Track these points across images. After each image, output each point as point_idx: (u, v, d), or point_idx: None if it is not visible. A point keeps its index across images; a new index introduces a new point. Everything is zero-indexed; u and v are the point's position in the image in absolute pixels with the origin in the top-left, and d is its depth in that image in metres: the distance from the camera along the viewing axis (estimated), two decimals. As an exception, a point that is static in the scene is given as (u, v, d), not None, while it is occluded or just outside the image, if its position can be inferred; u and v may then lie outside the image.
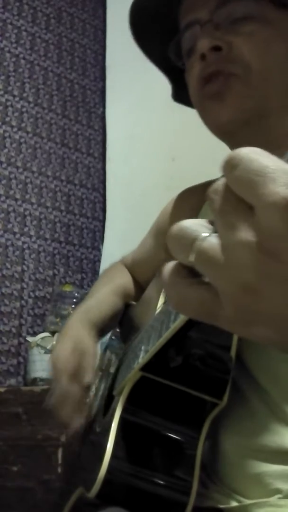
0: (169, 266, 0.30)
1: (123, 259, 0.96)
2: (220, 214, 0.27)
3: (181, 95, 0.79)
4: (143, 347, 0.61)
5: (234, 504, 0.61)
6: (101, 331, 0.77)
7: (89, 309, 0.79)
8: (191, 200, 0.81)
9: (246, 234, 0.26)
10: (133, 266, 0.92)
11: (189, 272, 0.29)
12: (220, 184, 0.28)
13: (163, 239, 0.84)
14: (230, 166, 0.26)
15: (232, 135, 0.69)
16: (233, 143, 0.70)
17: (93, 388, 0.82)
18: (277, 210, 0.24)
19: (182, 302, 0.29)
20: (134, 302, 0.85)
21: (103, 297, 0.82)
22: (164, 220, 0.85)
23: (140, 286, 0.89)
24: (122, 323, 0.84)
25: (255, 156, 0.26)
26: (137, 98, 2.35)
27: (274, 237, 0.25)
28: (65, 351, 0.70)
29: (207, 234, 0.28)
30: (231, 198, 0.27)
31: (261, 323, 0.28)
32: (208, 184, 0.74)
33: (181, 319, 0.53)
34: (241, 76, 0.64)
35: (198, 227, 0.28)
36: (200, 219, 0.29)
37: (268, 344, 0.29)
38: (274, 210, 0.25)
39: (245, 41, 0.64)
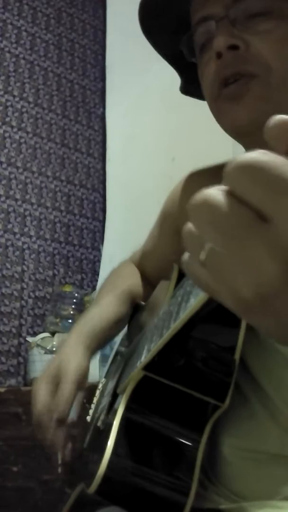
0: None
1: (133, 255, 0.94)
2: (222, 231, 0.25)
3: (190, 88, 0.77)
4: (146, 346, 0.61)
5: (233, 506, 0.61)
6: (101, 341, 0.75)
7: (89, 320, 0.77)
8: (200, 185, 0.77)
9: (259, 251, 0.24)
10: (142, 259, 0.91)
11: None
12: (211, 194, 0.25)
13: (169, 226, 0.83)
14: (243, 172, 0.24)
15: (248, 136, 0.66)
16: (249, 144, 0.67)
17: (100, 386, 0.82)
18: None
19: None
20: (143, 303, 0.84)
21: (106, 305, 0.80)
22: (171, 207, 0.83)
23: (149, 283, 0.87)
24: (130, 323, 0.84)
25: (274, 160, 0.23)
26: (137, 98, 2.35)
27: None
28: (43, 380, 0.67)
29: None
30: (237, 210, 0.24)
31: (273, 316, 0.27)
32: (216, 167, 0.72)
33: (182, 319, 0.53)
34: (262, 78, 0.62)
35: None
36: None
37: (266, 334, 0.29)
38: None
39: (262, 40, 0.62)
